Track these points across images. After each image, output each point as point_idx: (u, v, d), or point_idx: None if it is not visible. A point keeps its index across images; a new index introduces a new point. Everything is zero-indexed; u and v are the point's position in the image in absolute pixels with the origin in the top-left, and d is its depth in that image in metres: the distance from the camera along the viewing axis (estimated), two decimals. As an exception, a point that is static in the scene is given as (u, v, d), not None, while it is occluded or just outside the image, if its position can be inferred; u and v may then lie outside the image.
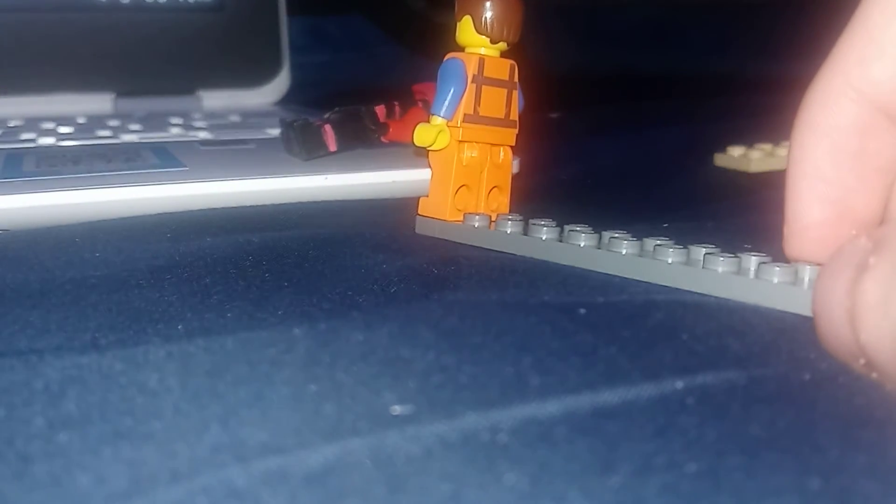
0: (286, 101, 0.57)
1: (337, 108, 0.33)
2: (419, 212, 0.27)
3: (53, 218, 0.26)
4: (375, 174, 0.30)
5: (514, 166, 0.33)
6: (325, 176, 0.30)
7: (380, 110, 0.34)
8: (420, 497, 0.13)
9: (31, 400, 0.15)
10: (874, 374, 0.16)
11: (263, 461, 0.14)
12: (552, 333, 0.18)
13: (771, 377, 0.16)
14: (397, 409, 0.15)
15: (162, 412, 0.15)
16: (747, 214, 0.31)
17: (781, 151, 0.41)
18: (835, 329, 0.17)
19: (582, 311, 0.19)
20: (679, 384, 0.16)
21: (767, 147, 0.41)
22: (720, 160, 0.42)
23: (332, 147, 0.32)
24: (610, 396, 0.16)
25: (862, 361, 0.17)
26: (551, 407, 0.15)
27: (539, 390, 0.16)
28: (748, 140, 0.42)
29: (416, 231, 0.27)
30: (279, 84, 0.57)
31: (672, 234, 0.23)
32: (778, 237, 0.21)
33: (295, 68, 0.57)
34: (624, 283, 0.21)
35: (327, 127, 0.32)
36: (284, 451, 0.14)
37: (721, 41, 0.78)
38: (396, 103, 0.34)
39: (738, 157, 0.41)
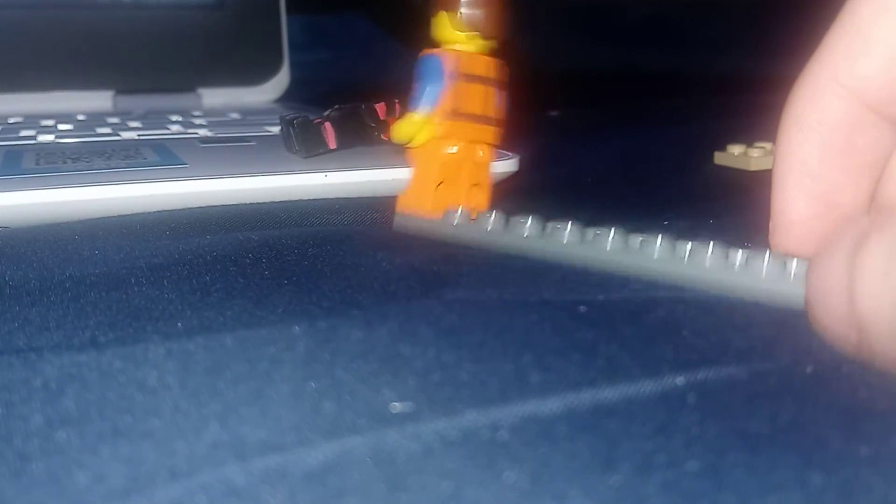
0: (286, 98, 0.57)
1: (337, 106, 0.33)
2: (397, 208, 0.27)
3: (52, 215, 0.26)
4: (375, 172, 0.30)
5: (514, 164, 0.33)
6: (324, 173, 0.30)
7: (380, 108, 0.33)
8: (420, 495, 0.13)
9: (30, 398, 0.15)
10: (865, 353, 0.16)
11: (263, 459, 0.14)
12: (552, 331, 0.18)
13: (773, 372, 0.16)
14: (397, 407, 0.15)
15: (161, 410, 0.15)
16: (747, 212, 0.30)
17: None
18: (830, 301, 0.17)
19: (582, 308, 0.19)
20: (680, 380, 0.16)
21: (767, 145, 0.41)
22: (720, 158, 0.42)
23: (332, 145, 0.32)
24: (611, 393, 0.16)
25: (854, 338, 0.17)
26: (552, 404, 0.15)
27: (539, 387, 0.16)
28: (748, 138, 0.42)
29: (394, 228, 0.27)
30: (279, 81, 0.57)
31: (672, 232, 0.23)
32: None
33: (295, 66, 0.57)
34: (625, 280, 0.21)
35: (327, 124, 0.32)
36: (284, 448, 0.14)
37: (721, 40, 0.78)
38: (397, 100, 0.34)
39: (738, 155, 0.41)
